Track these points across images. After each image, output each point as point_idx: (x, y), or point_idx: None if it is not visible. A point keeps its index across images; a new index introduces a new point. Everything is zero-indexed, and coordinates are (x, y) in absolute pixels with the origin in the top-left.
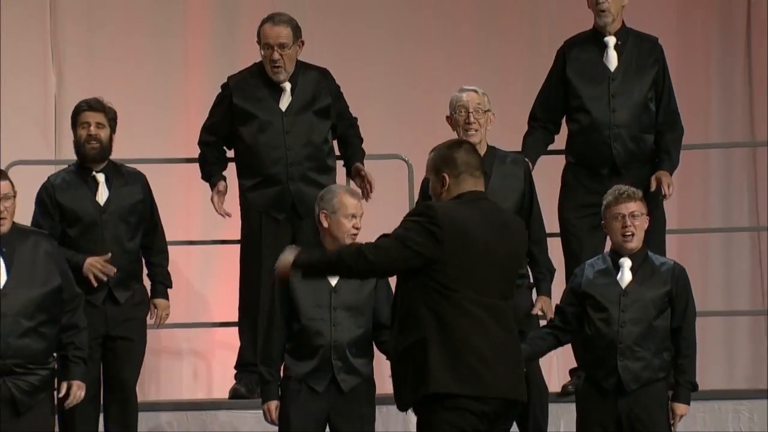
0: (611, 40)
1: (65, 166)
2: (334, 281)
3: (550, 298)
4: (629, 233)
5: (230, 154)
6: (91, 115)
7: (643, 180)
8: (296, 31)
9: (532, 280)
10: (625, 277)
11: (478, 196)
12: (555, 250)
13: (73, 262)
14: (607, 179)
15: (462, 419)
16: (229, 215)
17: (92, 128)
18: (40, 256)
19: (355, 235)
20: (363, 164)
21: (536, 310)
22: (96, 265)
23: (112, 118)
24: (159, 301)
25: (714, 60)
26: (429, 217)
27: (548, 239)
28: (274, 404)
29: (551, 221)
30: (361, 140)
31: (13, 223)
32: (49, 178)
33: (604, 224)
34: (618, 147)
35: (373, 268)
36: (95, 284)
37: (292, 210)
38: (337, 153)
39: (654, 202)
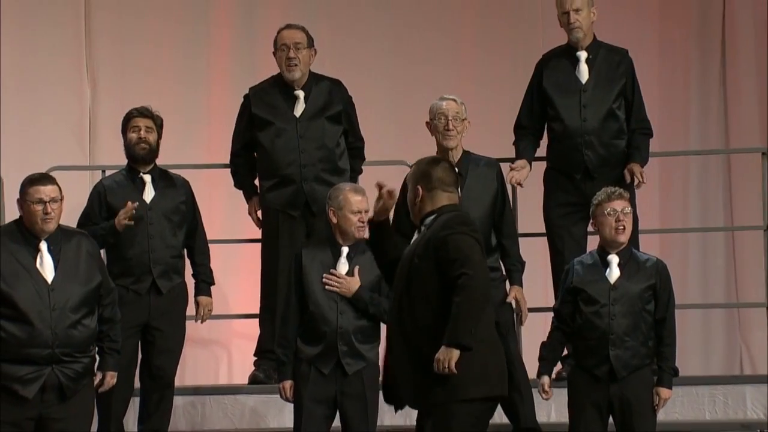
0: (583, 55)
1: (99, 171)
2: (343, 270)
3: (522, 288)
4: (622, 227)
5: None
6: (141, 121)
7: (615, 183)
8: (309, 37)
9: (504, 273)
10: (614, 272)
11: (451, 209)
12: (543, 248)
13: (107, 229)
14: (581, 183)
15: (477, 418)
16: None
17: (142, 132)
18: (83, 255)
19: (362, 228)
20: None
21: (510, 299)
22: (121, 216)
23: (159, 125)
24: (202, 299)
25: (692, 75)
26: (472, 227)
27: (535, 238)
28: (288, 383)
29: (539, 221)
30: (359, 172)
31: (58, 224)
32: (101, 180)
33: (593, 222)
34: (589, 153)
35: (484, 278)
36: (131, 223)
37: (306, 208)
38: None
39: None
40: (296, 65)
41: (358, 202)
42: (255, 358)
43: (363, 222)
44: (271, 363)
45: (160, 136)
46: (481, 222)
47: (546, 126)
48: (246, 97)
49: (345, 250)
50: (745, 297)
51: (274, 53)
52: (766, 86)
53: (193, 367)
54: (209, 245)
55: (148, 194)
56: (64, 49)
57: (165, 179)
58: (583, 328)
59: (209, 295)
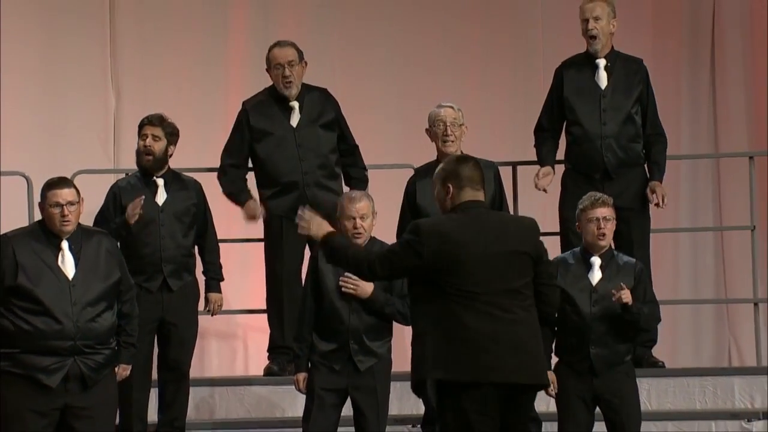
0: (602, 62)
1: (123, 174)
2: None
3: None
4: (602, 234)
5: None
6: (150, 129)
7: (631, 182)
8: (300, 52)
9: None
10: (596, 274)
11: (473, 206)
12: (555, 247)
13: (119, 223)
14: (600, 183)
15: (462, 401)
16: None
17: (148, 140)
18: (103, 253)
19: (358, 235)
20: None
21: None
22: (129, 209)
23: (170, 132)
24: (212, 295)
25: (683, 84)
26: (414, 234)
27: (549, 237)
28: (302, 375)
29: (553, 221)
30: (364, 169)
31: (79, 224)
32: (117, 181)
33: (578, 225)
34: (609, 155)
35: (378, 277)
36: (142, 218)
37: None
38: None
39: (643, 210)
40: (292, 82)
41: (352, 210)
42: (268, 353)
43: (357, 228)
44: (284, 357)
45: (170, 143)
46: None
47: (564, 129)
48: (243, 110)
49: None
50: (734, 293)
51: (268, 70)
52: (752, 94)
53: (211, 359)
54: (227, 244)
55: (161, 197)
56: (90, 58)
57: (177, 182)
58: (565, 327)
59: (219, 291)
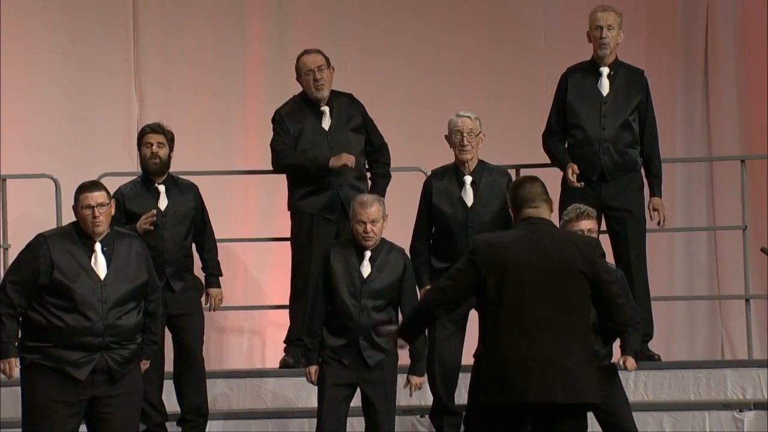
0: (605, 70)
1: None
2: (366, 272)
3: None
4: None
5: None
6: (153, 137)
7: (626, 185)
8: (326, 58)
9: None
10: None
11: (531, 222)
12: None
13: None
14: (597, 185)
15: (490, 422)
16: None
17: (154, 147)
18: (133, 255)
19: (369, 238)
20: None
21: None
22: (142, 221)
23: (170, 139)
24: (212, 290)
25: (677, 90)
26: (470, 249)
27: None
28: (314, 368)
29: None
30: (387, 165)
31: (112, 226)
32: (120, 188)
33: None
34: (606, 158)
35: (448, 298)
36: (152, 228)
37: (342, 211)
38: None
39: (638, 212)
40: (323, 85)
41: (363, 214)
42: (285, 345)
43: (367, 232)
44: (300, 349)
45: (171, 149)
46: (493, 223)
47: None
48: (279, 118)
49: (368, 253)
50: (726, 290)
51: (298, 78)
52: (744, 101)
53: (230, 353)
54: (242, 244)
55: (163, 202)
56: (115, 67)
57: (176, 186)
58: None
59: (218, 286)
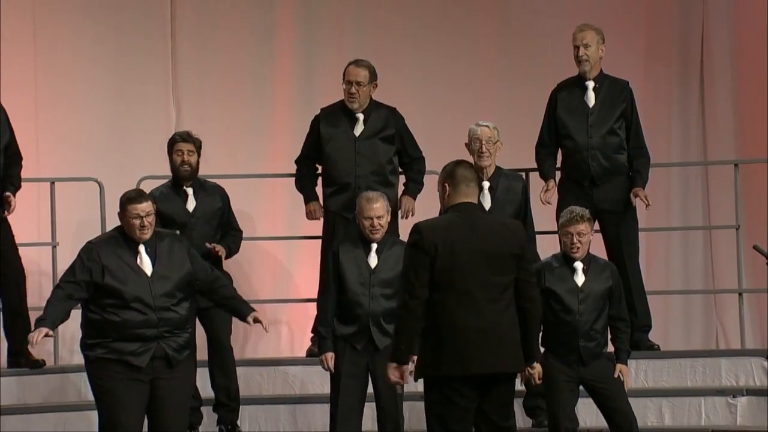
0: (590, 84)
1: None
2: (373, 263)
3: None
4: (575, 248)
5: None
6: (184, 145)
7: (616, 189)
8: (372, 74)
9: None
10: (580, 277)
11: (467, 207)
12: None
13: None
14: (589, 189)
15: (446, 388)
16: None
17: (185, 155)
18: (175, 250)
19: (376, 231)
20: (412, 198)
21: None
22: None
23: (198, 146)
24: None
25: (674, 99)
26: (416, 233)
27: (548, 236)
28: (330, 355)
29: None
30: (421, 173)
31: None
32: (152, 191)
33: (559, 235)
34: (594, 164)
35: (415, 296)
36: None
37: None
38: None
39: (628, 213)
40: (355, 99)
41: (368, 210)
42: (311, 335)
43: (374, 226)
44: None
45: (199, 156)
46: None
47: (559, 143)
48: (316, 117)
49: (374, 246)
50: (721, 284)
51: (343, 82)
52: (737, 108)
53: (261, 342)
54: (271, 242)
55: (191, 204)
56: (154, 77)
57: (203, 189)
58: (555, 324)
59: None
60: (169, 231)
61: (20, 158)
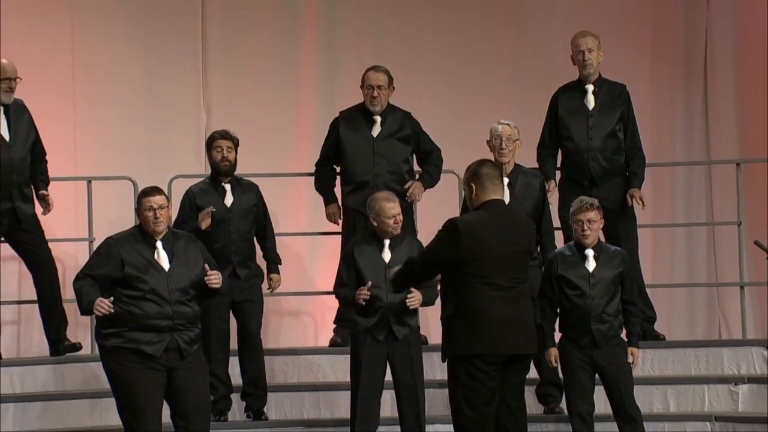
0: (590, 88)
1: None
2: (387, 258)
3: None
4: (586, 234)
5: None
6: (223, 142)
7: (615, 188)
8: (390, 78)
9: (541, 260)
10: (591, 263)
11: (496, 205)
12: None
13: (192, 228)
14: (588, 189)
15: (475, 369)
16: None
17: (224, 152)
18: (190, 250)
19: (397, 228)
20: (422, 186)
21: None
22: (201, 218)
23: (236, 144)
24: (273, 276)
25: (678, 100)
26: (452, 231)
27: (558, 231)
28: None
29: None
30: (437, 167)
31: (169, 228)
32: (191, 187)
33: (570, 224)
34: (594, 165)
35: (421, 276)
36: (210, 226)
37: None
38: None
39: (628, 212)
40: (378, 102)
41: (391, 208)
42: (334, 326)
43: (397, 223)
44: (347, 330)
45: (236, 152)
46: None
47: (559, 144)
48: (336, 119)
49: (387, 242)
50: (723, 278)
51: (361, 87)
52: (740, 109)
53: (287, 333)
54: (296, 237)
55: (228, 199)
56: (185, 82)
57: (239, 186)
58: (569, 308)
59: (278, 272)
60: (184, 232)
61: (45, 154)
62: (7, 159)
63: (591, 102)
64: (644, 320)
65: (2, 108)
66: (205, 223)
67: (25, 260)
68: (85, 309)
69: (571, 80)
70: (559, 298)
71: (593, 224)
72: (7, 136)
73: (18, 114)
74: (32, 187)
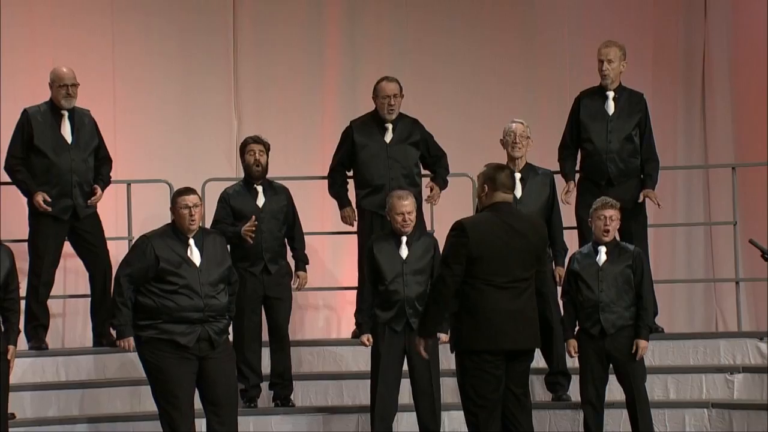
0: (611, 94)
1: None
2: (404, 254)
3: (564, 268)
4: (607, 230)
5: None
6: (255, 146)
7: (630, 189)
8: (401, 87)
9: (551, 255)
10: (602, 258)
11: (504, 207)
12: (574, 239)
13: (234, 234)
14: (605, 189)
15: (480, 361)
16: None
17: (257, 155)
18: (218, 246)
19: (407, 225)
20: (438, 187)
21: (556, 275)
22: (245, 228)
23: (268, 148)
24: (300, 273)
25: (678, 107)
26: (460, 231)
27: (568, 230)
28: (366, 336)
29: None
30: (447, 169)
31: (200, 226)
32: (226, 189)
33: (590, 221)
34: (612, 167)
35: (450, 283)
36: (251, 242)
37: None
38: (425, 172)
39: (639, 210)
40: (394, 110)
41: (401, 206)
42: (355, 320)
43: (405, 221)
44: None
45: (268, 156)
46: (537, 213)
47: (579, 145)
48: (349, 128)
49: (404, 239)
50: (720, 274)
51: (374, 98)
52: (736, 117)
53: (312, 325)
54: (319, 237)
55: (260, 201)
56: (218, 91)
57: (271, 188)
58: (581, 302)
59: (305, 270)
60: (212, 229)
61: (110, 160)
62: (68, 160)
63: (611, 107)
64: None
65: (66, 113)
66: (248, 235)
67: (81, 257)
68: (116, 331)
69: (588, 87)
70: (576, 292)
71: (614, 222)
72: (69, 139)
73: (81, 119)
74: (94, 187)
